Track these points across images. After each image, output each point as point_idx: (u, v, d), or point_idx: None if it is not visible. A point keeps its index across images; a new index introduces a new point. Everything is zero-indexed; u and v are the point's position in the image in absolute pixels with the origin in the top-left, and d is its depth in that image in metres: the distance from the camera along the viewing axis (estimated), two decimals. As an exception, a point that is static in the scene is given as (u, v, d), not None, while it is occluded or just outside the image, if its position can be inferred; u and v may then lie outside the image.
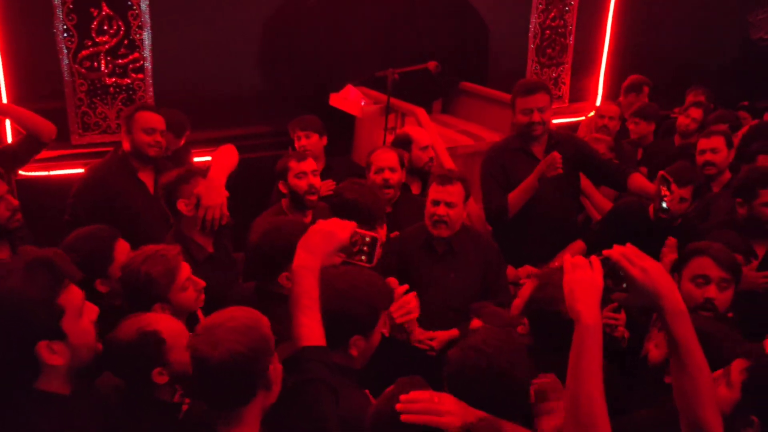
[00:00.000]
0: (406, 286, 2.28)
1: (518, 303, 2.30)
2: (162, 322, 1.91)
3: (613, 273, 1.53)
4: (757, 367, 1.69)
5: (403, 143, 3.88)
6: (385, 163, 3.44)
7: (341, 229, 1.78)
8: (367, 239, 1.85)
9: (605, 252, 1.54)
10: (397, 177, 3.44)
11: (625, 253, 1.52)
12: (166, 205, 2.76)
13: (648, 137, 4.97)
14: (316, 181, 3.34)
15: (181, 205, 2.69)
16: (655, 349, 2.16)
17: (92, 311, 1.74)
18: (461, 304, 2.92)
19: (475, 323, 2.63)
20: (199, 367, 1.54)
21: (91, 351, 1.72)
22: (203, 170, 2.79)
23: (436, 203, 3.01)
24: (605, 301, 2.33)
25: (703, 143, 3.93)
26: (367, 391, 2.07)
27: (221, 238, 2.85)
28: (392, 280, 2.64)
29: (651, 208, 3.29)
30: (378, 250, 1.86)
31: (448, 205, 2.99)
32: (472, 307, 2.69)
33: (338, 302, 1.89)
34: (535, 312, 2.12)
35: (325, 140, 4.25)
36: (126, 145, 3.42)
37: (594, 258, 1.54)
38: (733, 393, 1.70)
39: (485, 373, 1.71)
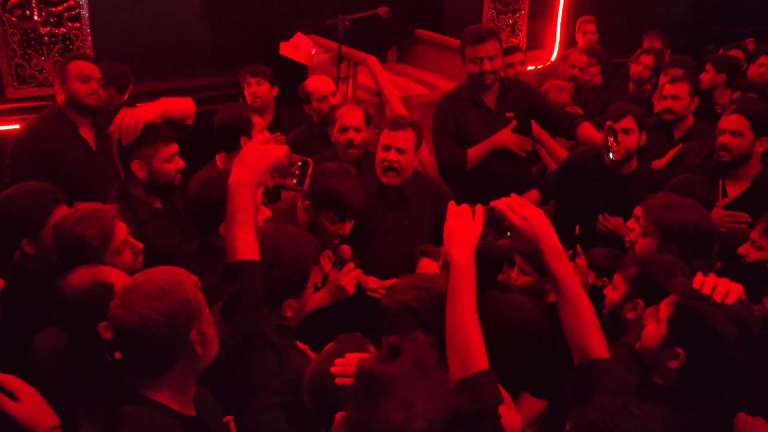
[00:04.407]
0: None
1: None
2: (115, 275, 1.91)
3: (497, 221, 1.66)
4: (682, 301, 1.73)
5: (304, 98, 3.83)
6: (350, 122, 3.26)
7: (275, 148, 1.85)
8: (300, 163, 1.91)
9: (492, 203, 1.66)
10: (362, 137, 3.28)
11: (508, 202, 1.65)
12: (118, 159, 2.64)
13: None
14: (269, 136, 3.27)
15: (135, 167, 2.59)
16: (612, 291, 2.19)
17: None
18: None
19: (424, 262, 2.64)
20: (115, 332, 1.51)
21: None
22: (166, 135, 2.64)
23: (387, 148, 2.96)
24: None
25: (666, 89, 3.93)
26: (305, 346, 2.07)
27: (171, 195, 2.75)
28: (345, 248, 2.64)
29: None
30: (309, 174, 1.92)
31: (399, 150, 2.94)
32: (418, 249, 2.72)
33: (266, 272, 1.86)
34: None
35: (275, 91, 4.15)
36: (61, 98, 3.31)
37: (478, 207, 1.65)
38: (660, 328, 1.74)
39: (428, 302, 1.82)
